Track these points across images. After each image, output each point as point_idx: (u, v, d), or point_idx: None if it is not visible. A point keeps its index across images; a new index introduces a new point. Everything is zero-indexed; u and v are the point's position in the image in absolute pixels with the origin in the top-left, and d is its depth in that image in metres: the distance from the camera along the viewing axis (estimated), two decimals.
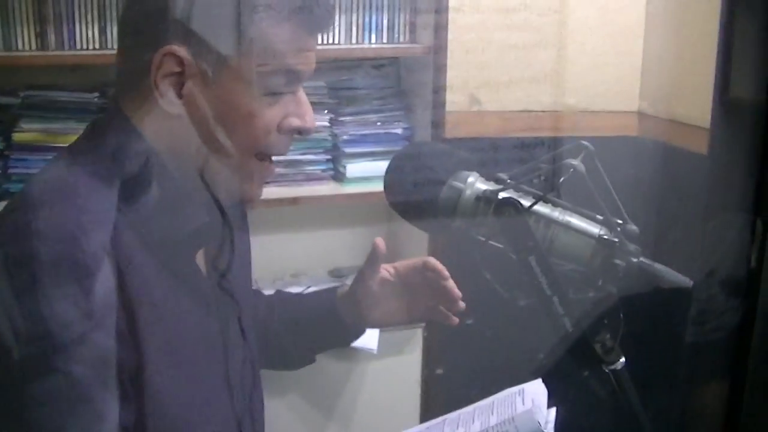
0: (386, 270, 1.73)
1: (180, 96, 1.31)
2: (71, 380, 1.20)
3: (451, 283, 1.69)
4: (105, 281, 1.24)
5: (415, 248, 2.86)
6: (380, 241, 1.68)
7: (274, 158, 1.45)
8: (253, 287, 1.78)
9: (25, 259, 1.20)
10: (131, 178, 1.32)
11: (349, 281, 1.78)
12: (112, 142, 1.35)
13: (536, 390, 1.32)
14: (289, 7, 1.33)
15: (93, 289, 1.22)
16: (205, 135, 1.34)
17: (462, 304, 1.68)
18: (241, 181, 1.42)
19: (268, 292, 1.90)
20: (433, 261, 1.71)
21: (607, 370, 1.35)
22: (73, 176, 1.31)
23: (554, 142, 2.78)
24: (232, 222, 1.53)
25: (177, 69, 1.29)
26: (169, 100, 1.31)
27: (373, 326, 1.81)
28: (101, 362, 1.24)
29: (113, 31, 2.76)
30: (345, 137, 3.01)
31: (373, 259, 1.70)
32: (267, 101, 1.35)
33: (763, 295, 0.65)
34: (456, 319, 1.72)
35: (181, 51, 1.28)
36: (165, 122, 1.33)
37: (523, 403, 1.28)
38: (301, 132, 1.42)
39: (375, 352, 2.66)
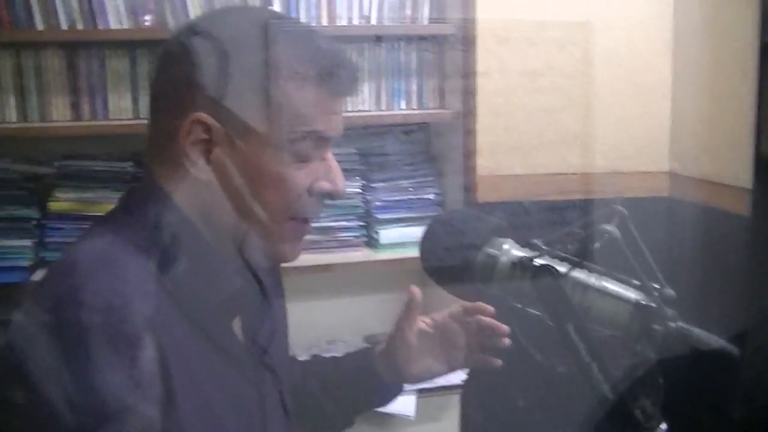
0: (423, 321, 1.72)
1: (209, 162, 1.31)
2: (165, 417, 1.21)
3: (494, 320, 1.66)
4: (149, 351, 1.25)
5: None
6: (416, 290, 1.67)
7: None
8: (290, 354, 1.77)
9: (72, 329, 1.19)
10: (166, 246, 1.33)
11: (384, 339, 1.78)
12: (146, 211, 1.35)
13: None
14: (315, 72, 1.33)
15: (139, 359, 1.23)
16: (235, 200, 1.34)
17: (508, 340, 1.66)
18: (276, 242, 1.41)
19: (304, 358, 1.89)
20: (472, 303, 1.68)
21: None
22: (114, 246, 1.31)
23: (586, 205, 2.79)
24: (267, 287, 1.53)
25: (205, 136, 1.30)
26: (198, 167, 1.31)
27: (412, 381, 1.78)
28: (191, 403, 1.26)
29: (145, 101, 2.80)
30: (377, 203, 3.02)
31: (410, 307, 1.69)
32: (296, 166, 1.35)
33: None
34: (499, 362, 1.70)
35: (209, 118, 1.29)
36: (196, 189, 1.33)
37: None
38: (332, 195, 1.41)
39: (412, 418, 2.64)
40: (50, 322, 1.20)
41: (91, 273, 1.25)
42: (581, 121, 3.26)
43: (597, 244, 1.36)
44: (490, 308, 1.65)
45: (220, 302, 1.40)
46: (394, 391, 1.80)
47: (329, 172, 1.39)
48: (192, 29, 1.37)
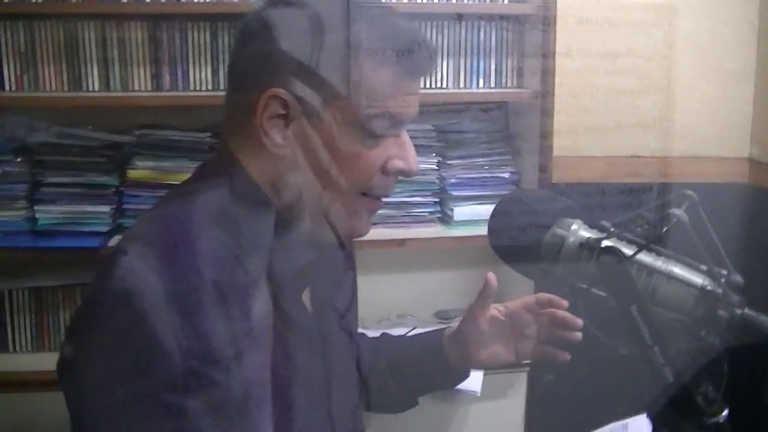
0: (496, 309, 1.73)
1: (284, 137, 1.33)
2: (234, 384, 1.23)
3: (568, 314, 1.68)
4: (262, 303, 1.29)
5: (521, 293, 2.82)
6: (492, 277, 1.68)
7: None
8: (359, 326, 1.79)
9: (190, 279, 1.24)
10: (240, 217, 1.35)
11: (454, 323, 1.78)
12: (221, 182, 1.37)
13: (640, 425, 1.31)
14: (392, 51, 1.34)
15: (251, 309, 1.27)
16: (309, 175, 1.36)
17: (580, 334, 1.67)
18: (347, 217, 1.43)
19: (374, 332, 1.90)
20: (547, 295, 1.70)
21: (709, 423, 1.33)
22: (189, 215, 1.33)
23: (662, 189, 2.76)
24: (338, 258, 1.55)
25: (282, 111, 1.32)
26: (274, 141, 1.33)
27: (479, 368, 1.81)
28: (258, 380, 1.29)
29: (225, 73, 2.83)
30: (452, 180, 3.02)
31: (485, 294, 1.70)
32: (370, 143, 1.37)
33: None
34: (567, 355, 1.70)
35: (286, 94, 1.30)
36: (271, 162, 1.35)
37: None
38: (404, 174, 1.43)
39: (478, 394, 2.65)
40: (170, 270, 1.23)
41: (166, 242, 1.29)
42: (660, 104, 3.23)
43: (665, 229, 1.36)
44: (564, 302, 1.66)
45: (291, 274, 1.42)
46: (461, 376, 1.81)
47: (403, 150, 1.41)
48: (273, 4, 1.38)
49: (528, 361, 1.78)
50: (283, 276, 1.39)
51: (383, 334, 1.93)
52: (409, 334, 2.09)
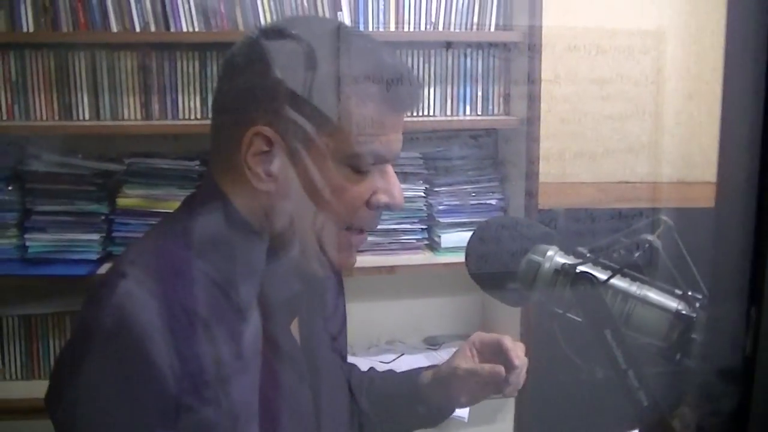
0: (469, 350, 1.73)
1: (269, 173, 1.33)
2: (222, 414, 1.26)
3: (513, 360, 1.65)
4: (254, 327, 1.30)
5: (508, 318, 2.86)
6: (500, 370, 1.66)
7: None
8: (349, 353, 1.79)
9: (178, 310, 1.26)
10: (227, 251, 1.37)
11: (442, 350, 1.79)
12: (207, 215, 1.38)
13: None
14: (378, 87, 1.34)
15: (244, 332, 1.28)
16: (294, 210, 1.37)
17: (511, 390, 1.67)
18: (333, 251, 1.43)
19: (363, 359, 1.90)
20: (507, 343, 1.68)
21: None
22: (175, 249, 1.35)
23: (651, 214, 2.78)
24: (326, 288, 1.56)
25: (266, 148, 1.32)
26: (259, 177, 1.33)
27: (462, 407, 1.80)
28: (246, 407, 1.30)
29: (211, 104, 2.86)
30: (440, 207, 3.04)
31: (471, 352, 1.71)
32: (355, 179, 1.37)
33: None
34: (514, 393, 1.71)
35: (270, 131, 1.30)
36: (256, 197, 1.36)
37: None
38: (389, 208, 1.43)
39: (466, 420, 2.66)
40: (165, 292, 1.26)
41: (155, 275, 1.29)
42: (649, 129, 3.25)
43: (637, 254, 1.38)
44: (514, 361, 1.66)
45: (280, 305, 1.43)
46: (443, 415, 1.81)
47: (388, 184, 1.41)
48: (258, 40, 1.38)
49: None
50: (271, 307, 1.40)
51: (370, 369, 1.92)
52: (396, 362, 2.08)
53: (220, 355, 1.27)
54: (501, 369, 1.62)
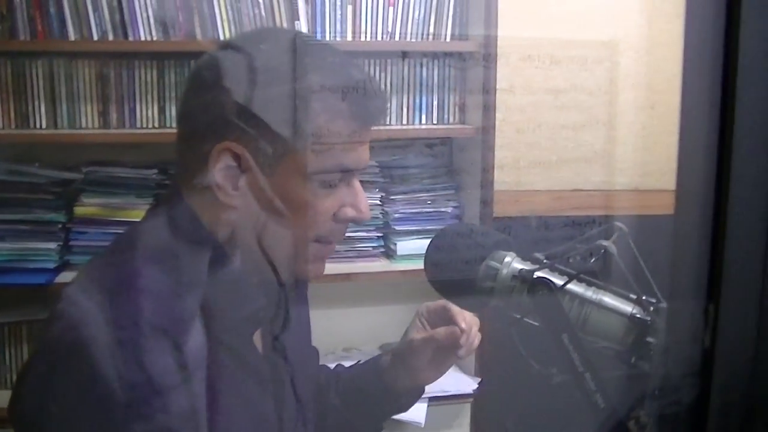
0: (419, 321, 1.73)
1: (237, 188, 1.33)
2: (168, 423, 1.26)
3: (460, 323, 1.65)
4: (197, 338, 1.31)
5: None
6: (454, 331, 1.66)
7: None
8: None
9: (129, 313, 1.26)
10: (192, 265, 1.36)
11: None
12: (173, 229, 1.38)
13: None
14: (344, 101, 1.35)
15: (188, 341, 1.29)
16: (262, 224, 1.37)
17: (465, 351, 1.67)
18: (300, 262, 1.44)
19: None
20: (453, 308, 1.67)
21: None
22: (140, 262, 1.35)
23: (605, 222, 2.81)
24: (290, 297, 1.57)
25: (233, 163, 1.32)
26: (226, 193, 1.33)
27: (428, 382, 1.79)
28: (193, 411, 1.30)
29: (172, 111, 2.87)
30: (396, 215, 3.06)
31: (422, 323, 1.72)
32: (323, 193, 1.37)
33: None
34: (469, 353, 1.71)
35: (238, 147, 1.30)
36: (223, 211, 1.36)
37: None
38: (356, 221, 1.44)
39: (422, 425, 2.67)
40: (111, 305, 1.26)
41: (112, 292, 1.30)
42: (602, 138, 3.29)
43: (593, 260, 1.40)
44: (460, 324, 1.66)
45: (241, 317, 1.43)
46: (411, 397, 1.82)
47: (354, 197, 1.42)
48: (222, 55, 1.38)
49: (473, 389, 1.78)
50: (232, 318, 1.41)
51: (337, 365, 1.91)
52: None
53: (169, 363, 1.27)
54: (455, 329, 1.63)
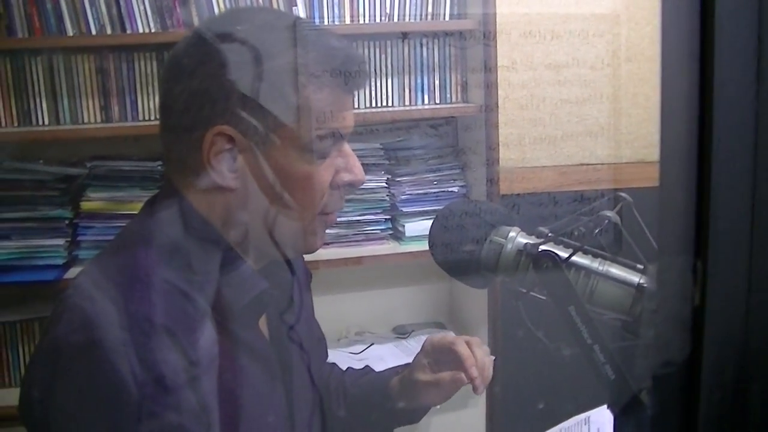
0: (425, 359, 1.71)
1: (233, 170, 1.33)
2: (181, 419, 1.27)
3: (470, 371, 1.64)
4: (209, 332, 1.31)
5: (476, 302, 2.88)
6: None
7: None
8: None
9: (142, 310, 1.27)
10: (191, 256, 1.36)
11: (412, 339, 1.79)
12: (170, 222, 1.38)
13: (602, 417, 1.33)
14: (330, 72, 1.35)
15: (206, 335, 1.29)
16: (262, 202, 1.37)
17: (478, 388, 1.66)
18: (303, 236, 1.44)
19: (333, 350, 1.89)
20: (460, 351, 1.66)
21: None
22: (139, 258, 1.35)
23: (612, 194, 2.80)
24: (295, 283, 1.57)
25: (228, 146, 1.31)
26: (223, 176, 1.33)
27: (437, 404, 1.78)
28: (206, 406, 1.30)
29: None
30: (402, 197, 3.06)
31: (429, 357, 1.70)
32: (317, 163, 1.37)
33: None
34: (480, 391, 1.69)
35: (231, 129, 1.30)
36: (221, 197, 1.36)
37: (590, 431, 1.30)
38: (353, 185, 1.44)
39: (438, 406, 2.67)
40: (125, 301, 1.27)
41: (116, 289, 1.30)
42: (606, 112, 3.28)
43: (597, 231, 1.39)
44: (469, 360, 1.64)
45: (246, 303, 1.42)
46: (423, 411, 1.81)
47: (347, 162, 1.42)
48: (203, 38, 1.37)
49: None
50: (236, 307, 1.40)
51: (347, 369, 1.91)
52: (366, 352, 2.08)
53: (181, 360, 1.27)
54: (461, 376, 1.63)
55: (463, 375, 1.63)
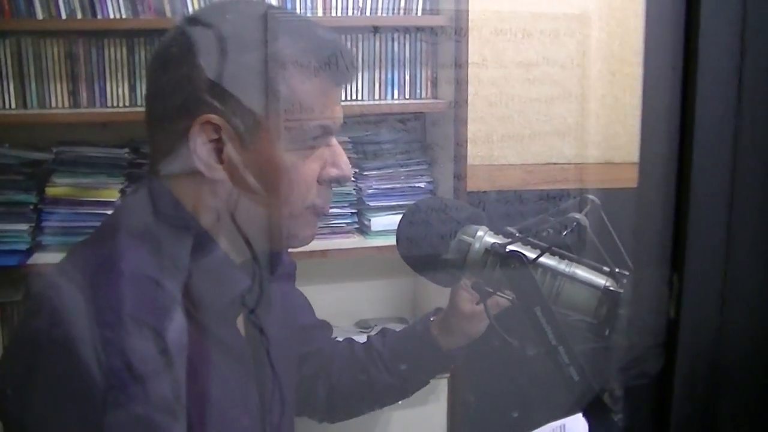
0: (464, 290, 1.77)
1: (220, 161, 1.34)
2: (148, 410, 1.26)
3: None
4: (179, 324, 1.30)
5: (440, 299, 2.86)
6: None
7: None
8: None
9: (110, 298, 1.26)
10: (175, 251, 1.36)
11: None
12: (153, 214, 1.38)
13: (577, 424, 1.33)
14: (316, 62, 1.35)
15: (168, 328, 1.28)
16: (248, 194, 1.37)
17: None
18: (290, 229, 1.44)
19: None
20: None
21: (616, 419, 1.36)
22: (122, 250, 1.34)
23: (579, 194, 2.81)
24: (277, 281, 1.57)
25: (215, 136, 1.32)
26: (210, 167, 1.33)
27: (472, 339, 1.82)
28: (174, 397, 1.29)
29: (143, 89, 2.84)
30: (369, 191, 3.05)
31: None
32: (304, 155, 1.38)
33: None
34: None
35: (218, 119, 1.30)
36: (207, 188, 1.36)
37: None
38: (340, 180, 1.45)
39: (399, 402, 2.67)
40: (92, 289, 1.27)
41: (92, 281, 1.30)
42: (575, 111, 3.29)
43: (565, 232, 1.40)
44: None
45: (227, 303, 1.43)
46: (461, 352, 1.87)
47: (335, 157, 1.43)
48: (190, 28, 1.37)
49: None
50: (217, 303, 1.41)
51: (383, 329, 1.99)
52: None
53: (149, 348, 1.27)
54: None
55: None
